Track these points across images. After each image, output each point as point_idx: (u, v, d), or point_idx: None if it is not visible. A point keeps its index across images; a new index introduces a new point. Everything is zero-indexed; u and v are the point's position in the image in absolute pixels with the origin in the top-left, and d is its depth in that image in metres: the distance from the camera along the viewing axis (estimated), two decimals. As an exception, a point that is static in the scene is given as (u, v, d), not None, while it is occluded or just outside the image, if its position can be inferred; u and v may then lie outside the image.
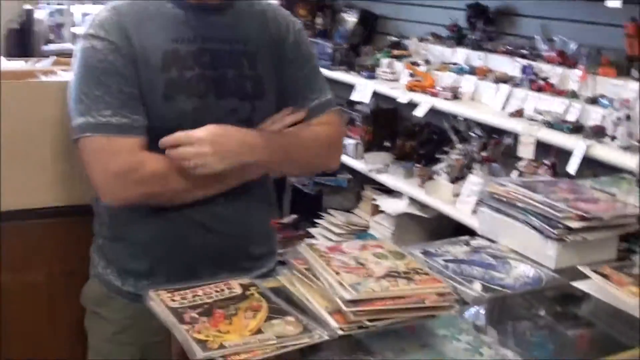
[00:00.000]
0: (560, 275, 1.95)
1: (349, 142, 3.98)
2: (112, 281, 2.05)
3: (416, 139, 3.73)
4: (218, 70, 1.95)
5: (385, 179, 3.73)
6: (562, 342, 1.93)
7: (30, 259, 2.37)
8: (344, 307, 1.61)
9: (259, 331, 1.57)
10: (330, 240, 3.99)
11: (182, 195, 1.93)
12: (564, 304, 2.01)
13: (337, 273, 1.71)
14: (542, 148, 2.81)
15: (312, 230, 4.17)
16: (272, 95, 2.03)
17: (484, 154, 3.20)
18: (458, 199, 3.24)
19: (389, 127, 3.99)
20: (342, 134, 2.30)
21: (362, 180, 4.09)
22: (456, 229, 3.17)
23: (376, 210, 3.86)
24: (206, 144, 1.85)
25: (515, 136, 2.90)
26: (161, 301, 1.69)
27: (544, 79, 2.91)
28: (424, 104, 3.31)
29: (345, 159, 4.03)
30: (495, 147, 3.17)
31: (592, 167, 2.70)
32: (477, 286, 1.83)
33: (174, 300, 1.70)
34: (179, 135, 1.85)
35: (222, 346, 1.50)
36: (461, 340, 1.86)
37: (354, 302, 1.61)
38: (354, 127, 4.03)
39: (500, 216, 2.12)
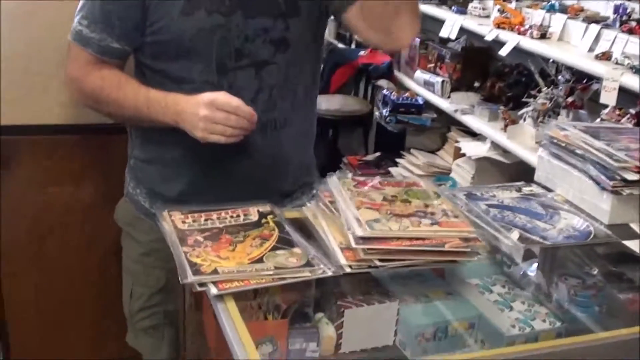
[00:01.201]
0: (613, 232, 1.76)
1: (436, 79, 3.80)
2: (140, 202, 2.01)
3: (505, 81, 3.51)
4: None
5: (470, 120, 3.54)
6: (610, 305, 1.77)
7: (76, 175, 2.35)
8: (353, 243, 1.50)
9: (259, 260, 1.47)
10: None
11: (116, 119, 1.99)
12: (617, 264, 1.84)
13: (358, 208, 1.59)
14: (630, 95, 2.57)
15: (393, 170, 4.04)
16: (308, 13, 1.90)
17: (570, 99, 2.98)
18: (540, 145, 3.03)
19: (479, 66, 3.78)
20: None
21: (447, 121, 3.91)
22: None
23: (459, 153, 3.69)
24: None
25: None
26: (171, 221, 1.63)
27: (637, 21, 2.65)
28: (509, 42, 3.10)
29: (432, 97, 3.87)
30: (583, 92, 2.94)
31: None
32: (515, 235, 1.67)
33: (184, 222, 1.63)
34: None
35: (215, 272, 1.42)
36: (493, 292, 1.73)
37: (365, 239, 1.50)
38: (442, 65, 3.84)
39: (558, 163, 1.95)
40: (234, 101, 1.73)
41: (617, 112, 2.61)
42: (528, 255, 1.88)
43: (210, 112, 1.72)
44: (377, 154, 4.33)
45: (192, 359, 1.84)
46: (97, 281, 2.45)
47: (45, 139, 2.32)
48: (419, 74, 4.00)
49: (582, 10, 2.97)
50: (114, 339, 2.27)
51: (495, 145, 3.42)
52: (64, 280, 2.46)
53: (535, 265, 1.94)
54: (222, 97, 1.73)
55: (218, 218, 1.66)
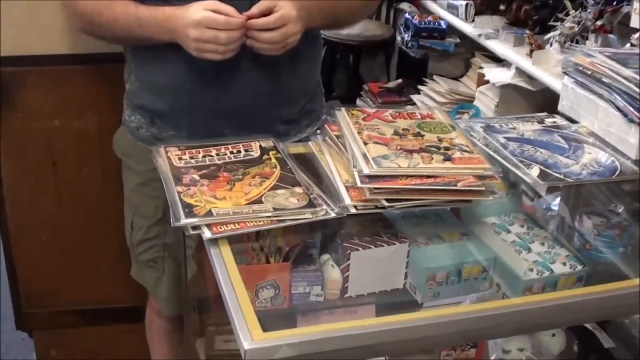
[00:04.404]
0: (642, 167, 1.65)
1: (460, 2, 3.63)
2: (137, 128, 1.92)
3: (532, 3, 3.34)
4: None
5: (494, 45, 3.39)
6: (635, 245, 1.66)
7: (80, 106, 2.26)
8: (359, 182, 1.40)
9: (258, 201, 1.38)
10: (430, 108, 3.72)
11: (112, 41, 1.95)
12: (645, 201, 1.73)
13: (366, 143, 1.49)
14: (663, 19, 2.41)
15: (414, 97, 3.90)
16: None
17: (599, 22, 2.81)
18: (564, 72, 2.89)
19: (505, -12, 3.61)
20: None
21: (471, 46, 3.75)
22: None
23: (482, 79, 3.54)
24: (299, 20, 1.70)
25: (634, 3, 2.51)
26: (167, 158, 1.53)
27: (674, -62, 2.47)
28: (537, -38, 2.93)
29: (455, 21, 3.70)
30: (612, 15, 2.77)
31: None
32: (535, 171, 1.57)
33: (180, 159, 1.54)
34: (280, 15, 1.67)
35: (209, 213, 1.33)
36: (511, 232, 1.63)
37: (372, 178, 1.40)
38: (467, -13, 3.67)
39: (583, 92, 1.82)
40: (220, 17, 1.62)
41: (649, 36, 2.45)
42: (550, 189, 1.77)
43: (199, 32, 1.63)
44: (399, 80, 4.19)
45: (195, 299, 1.78)
46: (106, 216, 2.38)
47: (46, 69, 2.23)
48: (443, -4, 3.83)
49: None
50: (122, 278, 2.21)
51: (520, 72, 3.27)
52: (71, 216, 2.39)
53: (558, 200, 1.83)
54: (209, 15, 1.62)
55: (217, 154, 1.57)
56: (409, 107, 1.73)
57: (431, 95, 3.81)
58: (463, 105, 3.65)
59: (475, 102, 3.61)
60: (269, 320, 1.24)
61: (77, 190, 2.35)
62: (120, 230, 2.11)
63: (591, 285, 1.51)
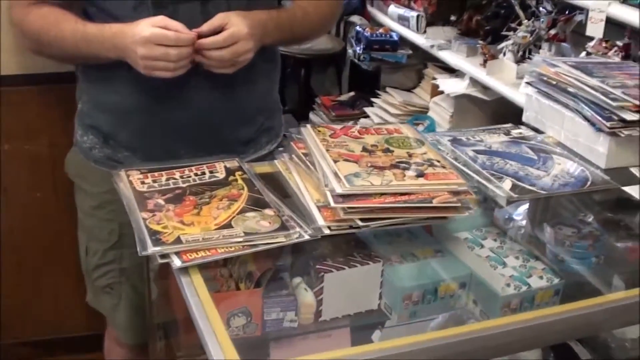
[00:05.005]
0: (611, 177, 1.63)
1: (411, 14, 3.62)
2: (90, 148, 1.86)
3: (483, 13, 3.34)
4: None
5: (447, 56, 3.37)
6: (608, 255, 1.64)
7: (32, 128, 2.18)
8: (332, 202, 1.35)
9: (227, 225, 1.32)
10: (386, 121, 3.70)
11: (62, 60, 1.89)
12: (615, 211, 1.71)
13: (336, 161, 1.44)
14: (616, 27, 2.42)
15: (368, 110, 3.87)
16: None
17: (552, 31, 2.81)
18: (522, 81, 2.88)
19: (456, -1, 3.60)
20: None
21: (423, 57, 3.74)
22: (520, 115, 2.84)
23: (436, 90, 3.53)
24: (250, 38, 1.65)
25: (588, 12, 2.51)
26: (129, 182, 1.47)
27: (621, -53, 2.48)
28: (488, -28, 2.93)
29: (407, 32, 3.69)
30: (565, 24, 2.77)
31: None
32: (507, 184, 1.54)
33: (143, 183, 1.48)
34: (230, 33, 1.62)
35: (178, 240, 1.26)
36: (485, 247, 1.60)
37: (345, 197, 1.35)
38: (417, -2, 3.66)
39: (548, 102, 1.81)
40: (170, 33, 1.57)
41: (604, 44, 2.45)
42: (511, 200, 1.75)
43: (148, 50, 1.57)
44: (352, 93, 4.16)
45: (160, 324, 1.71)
46: (60, 241, 2.29)
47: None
48: (393, 8, 3.81)
49: None
50: (80, 305, 2.13)
51: (474, 82, 3.26)
52: (23, 242, 2.30)
53: (526, 212, 1.81)
54: (158, 31, 1.57)
55: (181, 177, 1.51)
56: (363, 120, 1.68)
57: (385, 108, 3.78)
58: (417, 116, 3.63)
59: (430, 113, 3.60)
60: (241, 350, 1.19)
61: (29, 215, 2.27)
62: (76, 255, 2.03)
63: (567, 298, 1.49)
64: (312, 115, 4.11)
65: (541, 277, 1.51)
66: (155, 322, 1.72)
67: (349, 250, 1.47)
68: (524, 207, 1.76)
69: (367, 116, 3.86)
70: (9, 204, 2.25)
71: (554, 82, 1.78)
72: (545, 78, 1.81)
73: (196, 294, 1.20)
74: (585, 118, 1.68)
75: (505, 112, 3.12)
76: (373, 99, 3.87)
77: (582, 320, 1.29)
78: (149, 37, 1.57)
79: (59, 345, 2.45)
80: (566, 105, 1.75)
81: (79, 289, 2.12)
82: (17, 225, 2.28)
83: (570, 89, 1.73)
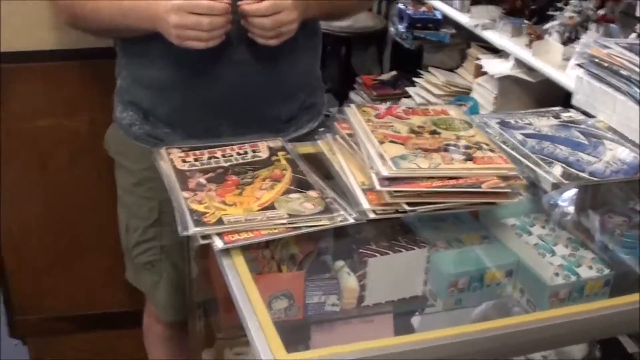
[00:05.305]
0: (665, 163, 1.57)
1: (456, -8, 3.56)
2: (129, 125, 1.84)
3: (528, -8, 3.28)
4: None
5: (491, 36, 3.32)
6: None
7: (71, 104, 2.16)
8: (377, 185, 1.31)
9: (270, 206, 1.29)
10: (428, 101, 3.65)
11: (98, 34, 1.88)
12: (668, 199, 1.66)
13: (381, 142, 1.41)
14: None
15: (409, 90, 3.83)
16: None
17: (601, 12, 2.75)
18: (568, 63, 2.82)
19: (501, -23, 3.54)
20: None
21: (467, 37, 3.68)
22: (566, 98, 2.78)
23: (480, 71, 3.47)
24: (294, 8, 1.60)
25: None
26: (170, 160, 1.44)
27: None
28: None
29: (450, 11, 3.64)
30: (615, 4, 2.71)
31: None
32: (557, 170, 1.49)
33: (184, 162, 1.45)
34: (273, 2, 1.57)
35: (219, 221, 1.24)
36: (533, 234, 1.55)
37: (391, 180, 1.32)
38: (462, -24, 3.59)
39: (600, 85, 1.75)
40: (203, 2, 1.53)
41: (657, 26, 2.39)
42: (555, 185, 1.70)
43: (180, 18, 1.54)
44: (393, 72, 4.12)
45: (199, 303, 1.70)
46: (98, 218, 2.28)
47: (33, 66, 2.13)
48: (437, -14, 3.76)
49: None
50: (118, 281, 2.12)
51: (519, 63, 3.21)
52: (62, 219, 2.29)
53: (574, 198, 1.76)
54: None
55: (223, 155, 1.48)
56: (404, 100, 1.64)
57: (427, 87, 3.74)
58: (460, 97, 3.59)
59: (473, 94, 3.55)
60: (282, 333, 1.17)
61: (68, 191, 2.25)
62: (114, 232, 2.02)
63: (617, 289, 1.44)
64: (352, 95, 4.08)
65: (590, 267, 1.46)
66: (195, 300, 1.70)
67: (393, 235, 1.43)
68: (573, 194, 1.71)
69: (408, 96, 3.82)
70: (48, 180, 2.24)
71: (606, 64, 1.72)
72: (596, 60, 1.75)
73: (237, 275, 1.17)
74: (638, 102, 1.63)
75: (550, 95, 3.07)
76: (415, 79, 3.83)
77: (634, 315, 1.24)
78: (181, 5, 1.54)
79: (94, 320, 2.44)
80: (618, 89, 1.69)
81: (116, 266, 2.11)
82: (55, 201, 2.27)
83: (623, 72, 1.67)
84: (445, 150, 1.41)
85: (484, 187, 1.33)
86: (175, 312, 1.97)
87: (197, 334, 1.68)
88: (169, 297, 1.96)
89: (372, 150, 1.40)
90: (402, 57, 4.10)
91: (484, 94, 3.43)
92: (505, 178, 1.37)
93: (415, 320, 1.50)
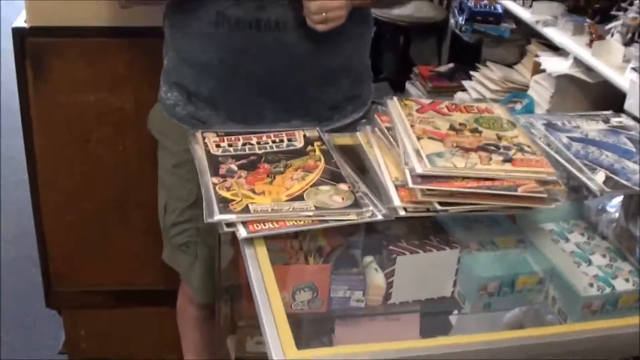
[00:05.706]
0: None
1: (518, -14, 3.48)
2: (173, 105, 1.85)
3: (593, -10, 3.19)
4: None
5: (552, 33, 3.24)
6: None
7: (114, 80, 2.18)
8: (410, 182, 1.28)
9: (299, 197, 1.27)
10: (483, 96, 3.59)
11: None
12: None
13: (419, 138, 1.37)
14: None
15: (466, 83, 3.76)
16: None
17: (667, 14, 2.66)
18: (629, 65, 2.74)
19: (566, -27, 3.44)
20: None
21: (527, 32, 3.60)
22: (624, 101, 2.70)
23: (538, 68, 3.40)
24: None
25: None
26: (204, 145, 1.43)
27: None
28: (602, -54, 2.78)
29: (512, 5, 3.56)
30: (683, 6, 2.62)
31: None
32: (600, 177, 1.44)
33: (218, 146, 1.44)
34: None
35: (245, 209, 1.22)
36: (570, 241, 1.51)
37: (425, 178, 1.29)
38: (526, -30, 3.51)
39: (654, 91, 1.68)
40: None
41: None
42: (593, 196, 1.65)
43: None
44: (451, 65, 4.05)
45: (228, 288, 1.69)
46: (138, 196, 2.30)
47: (80, 41, 2.14)
48: (500, -21, 3.69)
49: None
50: (155, 260, 2.13)
51: (578, 62, 3.12)
52: (102, 195, 2.31)
53: (617, 207, 1.70)
54: None
55: (258, 142, 1.47)
56: (460, 94, 1.59)
57: (483, 82, 3.67)
58: (516, 94, 3.51)
59: (530, 92, 3.47)
60: (304, 325, 1.15)
61: (109, 167, 2.27)
62: (153, 211, 2.02)
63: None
64: (408, 85, 4.02)
65: (627, 280, 1.41)
66: (223, 285, 1.69)
67: (425, 233, 1.41)
68: (616, 202, 1.65)
69: (464, 89, 3.76)
70: (91, 155, 2.25)
71: (662, 69, 1.66)
72: (652, 64, 1.69)
73: (258, 266, 1.16)
74: (693, 111, 1.57)
75: (608, 97, 2.98)
76: (472, 73, 3.76)
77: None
78: None
79: (129, 296, 2.46)
80: (673, 95, 1.63)
81: (154, 244, 2.11)
82: (98, 176, 2.28)
83: (679, 78, 1.61)
84: (485, 150, 1.38)
85: (520, 191, 1.30)
86: (209, 295, 1.97)
87: (222, 319, 1.67)
88: (203, 279, 1.96)
89: (409, 145, 1.37)
90: (461, 49, 4.03)
91: (540, 92, 3.35)
92: (543, 183, 1.33)
93: (442, 321, 1.47)
